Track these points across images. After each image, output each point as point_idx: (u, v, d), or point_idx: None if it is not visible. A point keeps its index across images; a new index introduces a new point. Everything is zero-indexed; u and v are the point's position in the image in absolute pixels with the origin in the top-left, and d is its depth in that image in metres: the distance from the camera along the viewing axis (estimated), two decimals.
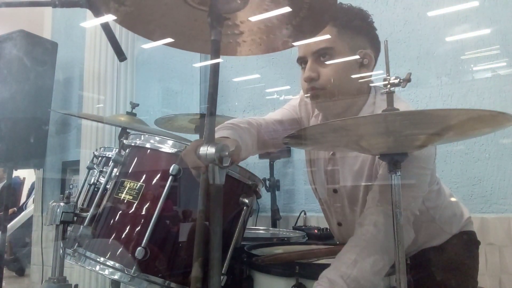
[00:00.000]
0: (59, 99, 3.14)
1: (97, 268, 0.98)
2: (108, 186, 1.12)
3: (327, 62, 1.14)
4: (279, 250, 1.24)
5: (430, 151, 1.09)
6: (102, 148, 1.51)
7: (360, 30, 1.16)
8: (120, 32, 2.32)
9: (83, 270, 2.38)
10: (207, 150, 0.77)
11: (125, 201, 1.03)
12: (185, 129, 2.03)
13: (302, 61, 1.20)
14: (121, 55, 1.13)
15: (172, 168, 0.99)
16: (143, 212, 1.00)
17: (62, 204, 1.14)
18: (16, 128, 2.67)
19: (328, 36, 1.12)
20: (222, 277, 0.97)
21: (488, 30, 1.98)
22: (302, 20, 0.87)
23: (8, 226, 3.05)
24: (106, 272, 0.97)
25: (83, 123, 2.66)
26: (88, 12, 1.04)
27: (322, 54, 1.13)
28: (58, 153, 3.15)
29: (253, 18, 0.88)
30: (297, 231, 1.66)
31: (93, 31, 2.57)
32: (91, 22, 2.38)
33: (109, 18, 0.98)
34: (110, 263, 0.97)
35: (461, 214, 1.36)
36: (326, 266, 0.97)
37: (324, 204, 1.36)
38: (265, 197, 2.39)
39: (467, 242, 1.34)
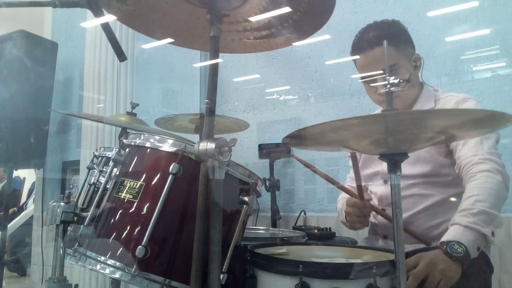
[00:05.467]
0: (59, 99, 3.14)
1: (98, 267, 0.98)
2: (108, 186, 1.12)
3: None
4: (282, 249, 1.24)
5: None
6: (102, 148, 1.50)
7: (405, 39, 1.41)
8: (120, 32, 2.33)
9: (84, 270, 2.38)
10: (207, 145, 0.77)
11: (126, 200, 1.03)
12: (185, 129, 2.03)
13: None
14: (121, 55, 1.13)
15: (172, 167, 0.99)
16: (144, 211, 1.00)
17: (62, 204, 1.14)
18: (16, 128, 2.68)
19: (391, 56, 1.36)
20: (222, 275, 0.97)
21: (488, 30, 1.98)
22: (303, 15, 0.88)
23: (8, 226, 3.05)
24: (107, 271, 0.97)
25: (83, 123, 2.66)
26: (88, 12, 1.04)
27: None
28: (58, 153, 3.15)
29: (254, 16, 0.89)
30: (297, 231, 1.65)
31: (93, 31, 2.58)
32: (91, 22, 2.39)
33: (109, 18, 0.99)
34: (111, 262, 0.97)
35: None
36: (330, 265, 0.97)
37: None
38: (265, 197, 2.39)
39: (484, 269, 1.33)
